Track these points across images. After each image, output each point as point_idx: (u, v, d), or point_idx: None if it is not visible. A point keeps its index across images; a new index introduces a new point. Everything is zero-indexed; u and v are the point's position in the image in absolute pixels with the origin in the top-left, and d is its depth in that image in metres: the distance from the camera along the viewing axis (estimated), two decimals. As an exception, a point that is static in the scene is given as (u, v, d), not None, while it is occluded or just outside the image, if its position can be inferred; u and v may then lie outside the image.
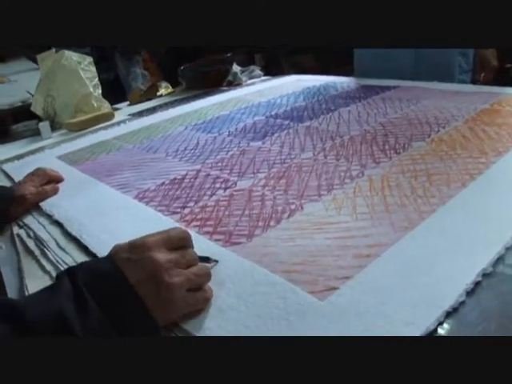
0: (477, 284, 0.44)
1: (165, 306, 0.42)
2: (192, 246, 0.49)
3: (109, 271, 0.42)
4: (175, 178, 0.79)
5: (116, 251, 0.45)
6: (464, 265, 0.46)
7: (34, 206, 0.78)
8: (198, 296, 0.45)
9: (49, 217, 0.73)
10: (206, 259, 0.51)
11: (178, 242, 0.47)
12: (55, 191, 0.82)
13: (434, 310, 0.41)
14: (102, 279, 0.41)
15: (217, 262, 0.52)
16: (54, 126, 1.40)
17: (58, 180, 0.87)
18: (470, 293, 0.43)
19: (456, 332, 0.39)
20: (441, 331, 0.39)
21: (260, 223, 0.59)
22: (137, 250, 0.44)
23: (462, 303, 0.42)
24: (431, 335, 0.39)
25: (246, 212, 0.63)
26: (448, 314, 0.41)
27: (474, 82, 1.43)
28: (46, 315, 0.38)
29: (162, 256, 0.44)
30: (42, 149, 1.17)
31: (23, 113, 1.82)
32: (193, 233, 0.59)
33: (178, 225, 0.62)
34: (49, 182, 0.85)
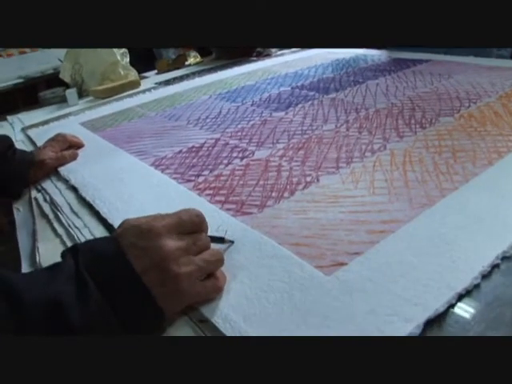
0: (495, 267, 0.41)
1: (172, 296, 0.39)
2: (206, 230, 0.45)
3: (112, 255, 0.39)
4: (193, 146, 0.78)
5: (122, 233, 0.41)
6: (483, 246, 0.43)
7: (53, 171, 0.78)
8: (208, 285, 0.41)
9: (66, 182, 0.73)
10: (219, 240, 0.47)
11: (191, 227, 0.43)
12: (74, 157, 0.82)
13: (446, 292, 0.38)
14: (103, 262, 0.38)
15: (232, 242, 0.48)
16: (82, 94, 1.40)
17: (77, 146, 0.87)
18: (486, 276, 0.41)
19: (468, 316, 0.37)
20: (451, 314, 0.37)
21: (273, 194, 0.58)
22: (144, 235, 0.40)
23: (477, 286, 0.40)
24: (440, 318, 0.37)
25: (261, 182, 0.61)
26: (461, 297, 0.39)
27: (514, 57, 1.36)
28: (42, 297, 0.35)
29: (170, 243, 0.40)
30: (66, 115, 1.17)
31: (55, 80, 1.83)
32: (204, 201, 0.58)
33: (191, 193, 0.61)
34: (69, 147, 0.85)
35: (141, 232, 0.40)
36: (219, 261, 0.43)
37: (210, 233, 0.46)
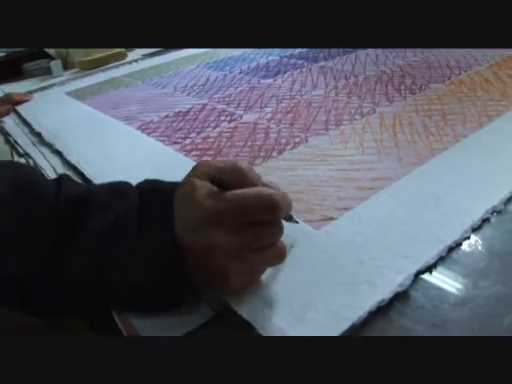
0: (485, 221, 0.41)
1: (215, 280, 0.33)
2: (282, 216, 0.35)
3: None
4: (180, 111, 0.77)
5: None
6: (473, 202, 0.43)
7: None
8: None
9: (50, 146, 0.71)
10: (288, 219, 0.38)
11: (259, 216, 0.33)
12: (8, 112, 0.90)
13: (437, 245, 0.38)
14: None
15: (297, 222, 0.40)
16: (67, 66, 1.37)
17: (21, 101, 0.92)
18: (476, 229, 0.40)
19: (458, 267, 0.37)
20: (442, 265, 0.37)
21: (261, 154, 0.57)
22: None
23: (467, 239, 0.39)
24: (431, 269, 0.36)
25: (249, 143, 0.60)
26: (451, 249, 0.38)
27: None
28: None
29: (222, 238, 0.32)
30: (51, 86, 1.15)
31: (39, 54, 1.79)
32: (191, 161, 0.57)
33: (177, 154, 0.60)
34: (14, 104, 0.93)
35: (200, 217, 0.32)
36: (279, 260, 0.36)
37: None
